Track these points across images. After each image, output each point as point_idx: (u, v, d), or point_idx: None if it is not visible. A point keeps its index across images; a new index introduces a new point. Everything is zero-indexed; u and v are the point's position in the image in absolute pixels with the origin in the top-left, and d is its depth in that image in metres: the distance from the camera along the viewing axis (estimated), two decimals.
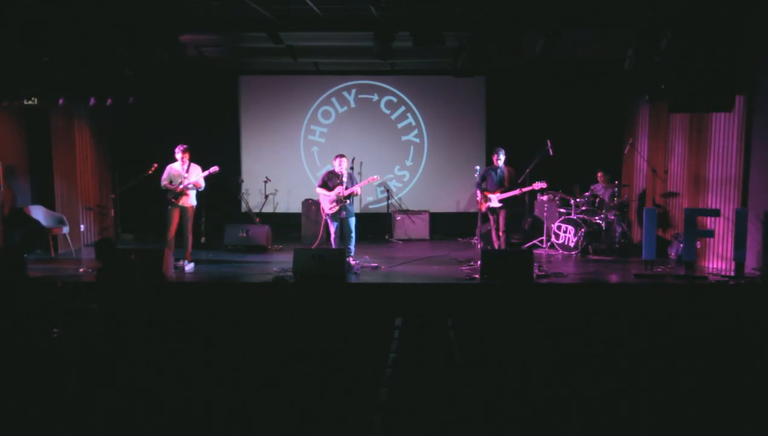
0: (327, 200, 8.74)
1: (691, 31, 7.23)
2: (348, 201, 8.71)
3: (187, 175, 8.83)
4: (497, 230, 9.07)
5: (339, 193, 8.62)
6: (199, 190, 9.07)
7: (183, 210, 8.86)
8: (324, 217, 8.95)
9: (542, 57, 8.17)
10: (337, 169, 8.71)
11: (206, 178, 8.98)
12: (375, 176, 9.09)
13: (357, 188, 8.74)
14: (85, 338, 5.11)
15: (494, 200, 8.90)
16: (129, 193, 10.91)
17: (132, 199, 11.80)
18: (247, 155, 12.10)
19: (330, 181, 8.74)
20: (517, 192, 8.87)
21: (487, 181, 9.09)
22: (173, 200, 8.80)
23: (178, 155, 8.87)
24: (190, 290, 7.99)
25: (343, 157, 8.78)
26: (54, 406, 3.59)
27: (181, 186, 8.77)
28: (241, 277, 8.53)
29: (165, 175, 8.88)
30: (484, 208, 9.11)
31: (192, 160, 9.03)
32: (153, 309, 6.36)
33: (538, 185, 8.92)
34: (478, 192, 9.12)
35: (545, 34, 7.86)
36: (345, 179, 8.67)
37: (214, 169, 8.87)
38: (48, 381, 4.00)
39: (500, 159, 9.02)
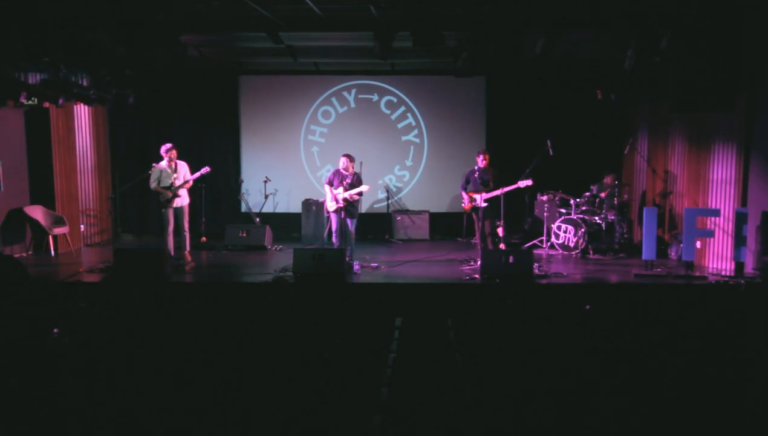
0: (328, 198, 8.85)
1: (691, 31, 7.23)
2: (346, 203, 8.76)
3: (176, 175, 8.81)
4: (483, 229, 9.01)
5: (338, 194, 8.70)
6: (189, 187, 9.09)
7: (178, 210, 8.87)
8: (326, 214, 9.11)
9: (542, 57, 8.17)
10: (342, 169, 8.85)
11: (202, 177, 9.00)
12: (365, 187, 8.95)
13: (348, 195, 8.69)
14: (84, 338, 5.11)
15: (480, 200, 8.87)
16: (129, 193, 10.91)
17: (132, 199, 11.82)
18: (247, 155, 12.10)
19: (335, 179, 8.88)
20: (499, 191, 8.81)
21: (471, 183, 9.09)
22: (166, 203, 8.78)
23: (165, 155, 8.84)
24: (190, 290, 7.99)
25: (348, 157, 8.86)
26: (53, 406, 3.59)
27: (172, 188, 8.74)
28: (241, 277, 8.53)
29: (153, 178, 8.84)
30: (468, 209, 9.12)
31: (193, 160, 9.07)
32: (152, 309, 6.36)
33: (523, 183, 8.89)
34: (463, 193, 9.13)
35: (545, 34, 7.86)
36: (349, 181, 8.73)
37: (205, 169, 8.88)
38: (47, 381, 4.00)
39: (485, 160, 9.04)
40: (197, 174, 8.86)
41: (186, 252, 8.96)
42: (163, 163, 8.83)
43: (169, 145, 8.88)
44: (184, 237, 8.94)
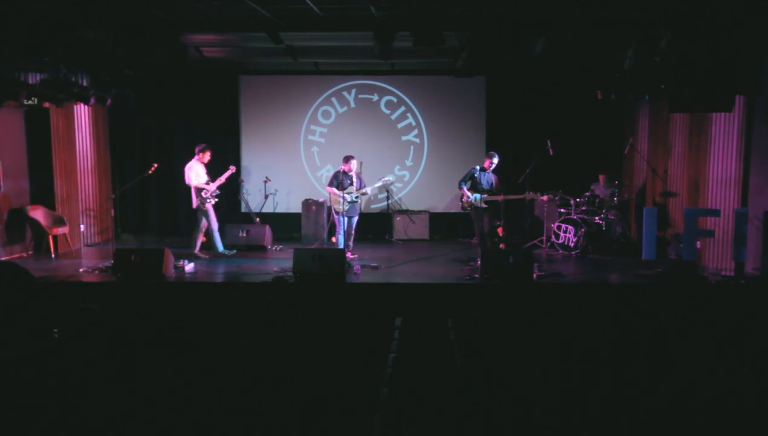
0: (338, 200, 9.14)
1: (691, 31, 7.23)
2: (357, 201, 9.21)
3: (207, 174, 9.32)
4: (482, 229, 9.20)
5: (351, 194, 9.13)
6: None
7: (214, 206, 9.40)
8: (334, 215, 9.35)
9: (542, 57, 8.17)
10: (354, 172, 9.25)
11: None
12: (389, 178, 9.75)
13: (366, 190, 9.29)
14: (85, 338, 5.11)
15: (480, 200, 9.06)
16: (129, 193, 10.91)
17: (132, 199, 11.82)
18: (247, 155, 12.10)
19: (344, 180, 9.19)
20: (502, 198, 9.13)
21: (472, 181, 9.22)
22: (209, 198, 9.22)
23: (198, 153, 9.30)
24: (190, 290, 7.99)
25: (354, 158, 9.30)
26: (53, 406, 3.59)
27: (217, 184, 9.26)
28: (241, 277, 8.53)
29: (194, 175, 9.21)
30: (467, 205, 9.25)
31: (192, 160, 9.23)
32: (152, 309, 6.36)
33: (529, 196, 9.32)
34: (464, 190, 9.19)
35: (545, 34, 7.86)
36: (356, 180, 9.22)
37: (232, 169, 9.41)
38: (48, 382, 4.00)
39: (493, 164, 9.18)
40: (226, 175, 9.31)
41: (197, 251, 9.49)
42: (197, 162, 9.23)
43: (203, 144, 9.38)
44: (212, 234, 9.49)
